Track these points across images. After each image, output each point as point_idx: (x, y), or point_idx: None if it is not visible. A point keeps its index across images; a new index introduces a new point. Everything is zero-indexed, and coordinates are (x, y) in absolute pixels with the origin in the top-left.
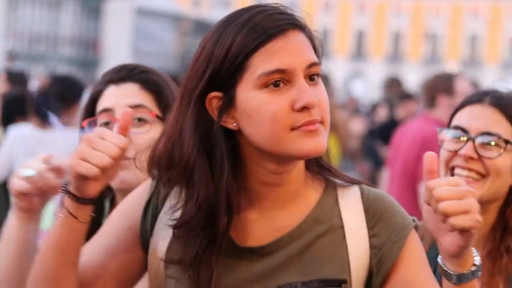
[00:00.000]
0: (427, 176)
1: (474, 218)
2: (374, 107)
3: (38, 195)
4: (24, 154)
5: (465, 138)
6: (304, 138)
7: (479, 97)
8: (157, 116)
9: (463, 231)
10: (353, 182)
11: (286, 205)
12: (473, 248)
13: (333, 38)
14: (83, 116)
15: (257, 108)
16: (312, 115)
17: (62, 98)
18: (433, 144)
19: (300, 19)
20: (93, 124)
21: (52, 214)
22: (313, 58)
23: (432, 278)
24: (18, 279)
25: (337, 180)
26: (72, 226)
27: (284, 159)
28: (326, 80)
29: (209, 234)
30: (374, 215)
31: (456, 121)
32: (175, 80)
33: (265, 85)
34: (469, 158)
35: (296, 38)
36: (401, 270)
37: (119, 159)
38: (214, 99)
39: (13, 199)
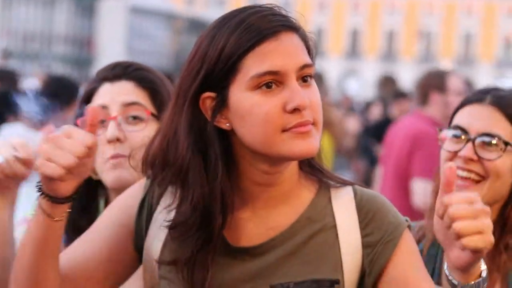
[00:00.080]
0: (444, 188)
1: (488, 239)
2: (368, 105)
3: (5, 181)
4: None
5: (464, 139)
6: (296, 139)
7: (479, 96)
8: (152, 114)
9: (475, 251)
10: (344, 183)
11: (279, 204)
12: (481, 260)
13: (327, 37)
14: (76, 114)
15: (249, 109)
16: (304, 117)
17: (56, 98)
18: (424, 141)
19: (294, 21)
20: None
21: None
22: (306, 60)
23: (426, 277)
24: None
25: (329, 181)
26: (48, 224)
27: (276, 160)
28: (320, 79)
29: (205, 235)
30: (367, 215)
31: (456, 120)
32: (169, 79)
33: (257, 87)
34: (468, 160)
35: (290, 40)
36: (394, 269)
37: (86, 157)
38: (207, 99)
39: None
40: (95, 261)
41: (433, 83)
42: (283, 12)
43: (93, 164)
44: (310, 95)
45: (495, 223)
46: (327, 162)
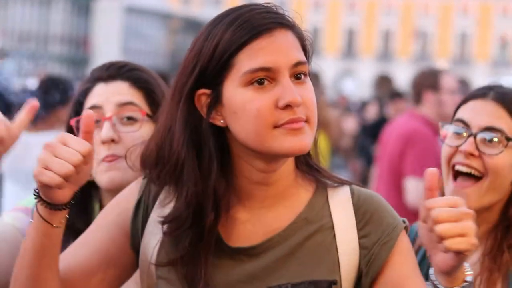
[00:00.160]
0: (427, 193)
1: (470, 241)
2: (364, 105)
3: None
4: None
5: (466, 134)
6: (288, 136)
7: (483, 91)
8: (147, 115)
9: (458, 253)
10: (342, 183)
11: (276, 204)
12: (466, 265)
13: (323, 37)
14: (70, 114)
15: (242, 105)
16: (296, 113)
17: (50, 97)
18: (417, 140)
19: (289, 18)
20: (80, 122)
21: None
22: (299, 57)
23: (422, 279)
24: None
25: (327, 181)
26: (46, 231)
27: (269, 157)
28: (316, 78)
29: (197, 231)
30: (364, 215)
31: (458, 115)
32: (165, 79)
33: (250, 83)
34: (469, 155)
35: (284, 37)
36: (391, 271)
37: (82, 165)
38: (202, 95)
39: None
40: (93, 264)
41: (427, 82)
42: (280, 10)
43: (90, 170)
44: (303, 93)
45: (498, 223)
46: (324, 162)
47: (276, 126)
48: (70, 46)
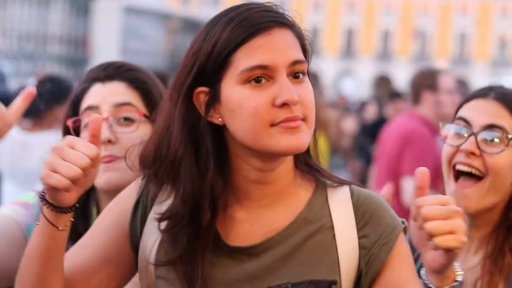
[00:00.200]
0: (417, 192)
1: (459, 238)
2: (363, 105)
3: None
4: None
5: (467, 134)
6: (285, 134)
7: (484, 91)
8: (144, 115)
9: (447, 251)
10: (341, 182)
11: (275, 203)
12: (456, 264)
13: (323, 36)
14: (67, 114)
15: (239, 103)
16: (293, 112)
17: (46, 98)
18: (415, 140)
19: (288, 18)
20: (77, 123)
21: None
22: (297, 55)
23: (419, 282)
24: None
25: (326, 180)
26: (52, 234)
27: (266, 155)
28: (315, 78)
29: (194, 229)
30: (364, 216)
31: (460, 113)
32: (163, 79)
33: (247, 81)
34: (470, 154)
35: (282, 36)
36: (391, 272)
37: (90, 168)
38: (201, 94)
39: None
40: (93, 264)
41: (425, 82)
42: (279, 10)
43: (96, 174)
44: (301, 91)
45: (499, 224)
46: (323, 162)
47: (273, 124)
48: (69, 46)
